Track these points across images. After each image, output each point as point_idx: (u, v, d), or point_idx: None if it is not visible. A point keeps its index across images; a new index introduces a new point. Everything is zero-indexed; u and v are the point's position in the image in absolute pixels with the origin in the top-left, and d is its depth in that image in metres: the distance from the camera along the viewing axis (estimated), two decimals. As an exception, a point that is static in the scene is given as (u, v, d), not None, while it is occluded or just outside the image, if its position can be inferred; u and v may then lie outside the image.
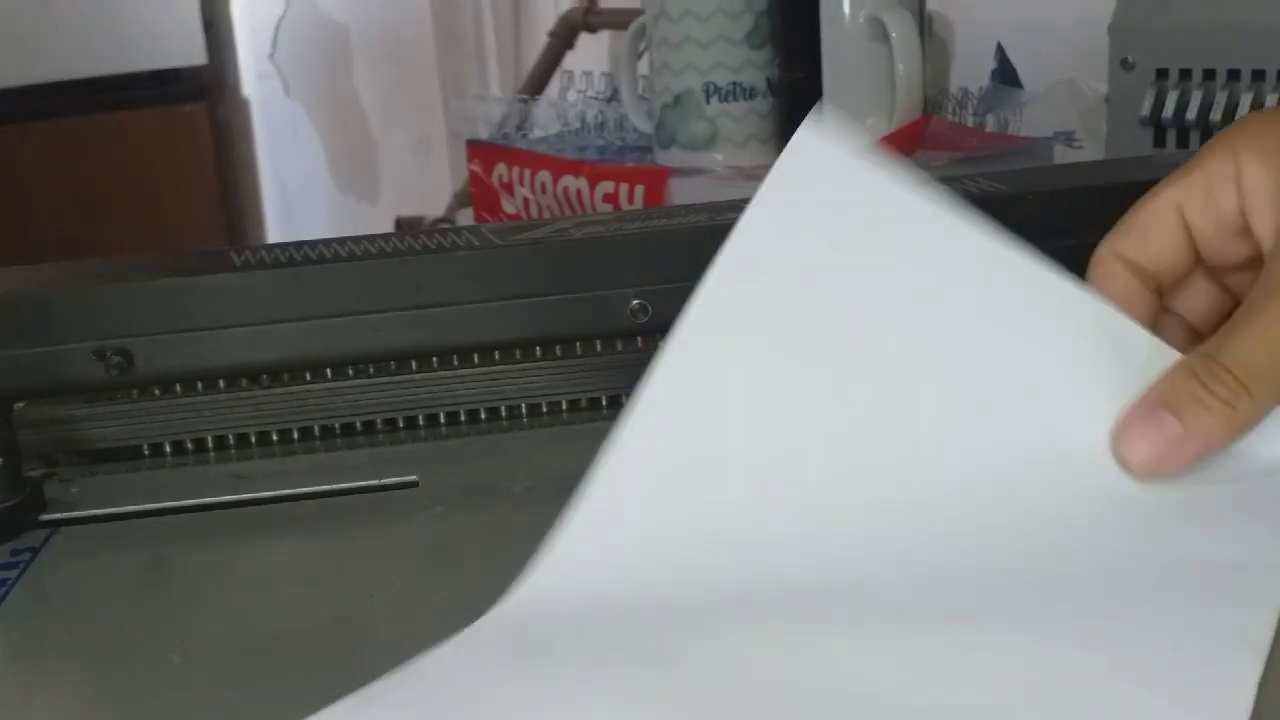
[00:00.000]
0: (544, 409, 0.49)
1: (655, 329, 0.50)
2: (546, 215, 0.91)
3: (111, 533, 0.42)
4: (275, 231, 2.64)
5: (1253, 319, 0.38)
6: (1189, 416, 0.37)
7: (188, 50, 2.46)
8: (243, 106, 2.62)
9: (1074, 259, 0.50)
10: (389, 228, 1.98)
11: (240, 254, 0.48)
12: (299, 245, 0.49)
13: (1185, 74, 0.72)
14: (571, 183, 0.87)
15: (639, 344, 0.50)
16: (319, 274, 0.47)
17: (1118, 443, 0.38)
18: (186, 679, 0.33)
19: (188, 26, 2.44)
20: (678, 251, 0.50)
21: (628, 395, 0.49)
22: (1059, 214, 0.51)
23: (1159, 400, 0.37)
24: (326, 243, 0.49)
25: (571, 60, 1.50)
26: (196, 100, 2.50)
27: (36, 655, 0.35)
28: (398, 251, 0.48)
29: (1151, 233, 0.42)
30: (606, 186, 0.85)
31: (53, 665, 0.34)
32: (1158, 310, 0.43)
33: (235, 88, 2.61)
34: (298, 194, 2.64)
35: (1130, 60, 0.74)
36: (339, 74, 2.53)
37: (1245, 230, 0.41)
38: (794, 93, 0.82)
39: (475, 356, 0.49)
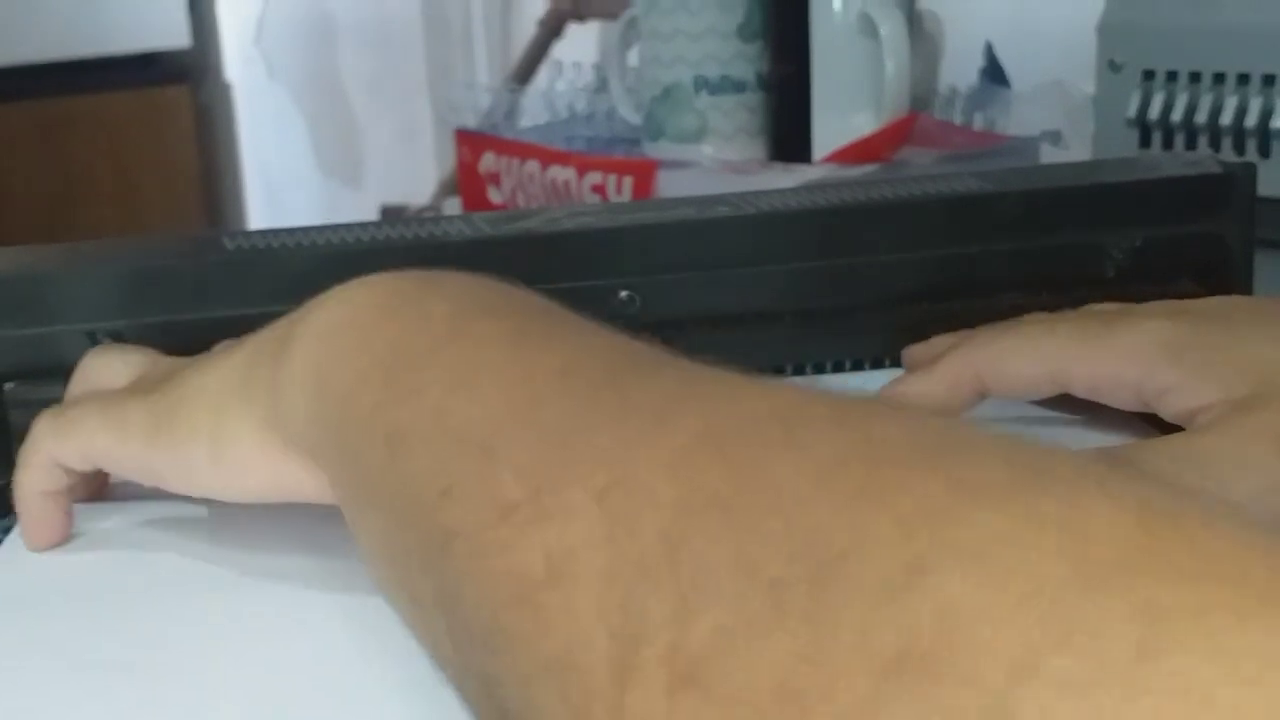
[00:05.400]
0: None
1: (644, 321, 0.50)
2: (534, 205, 0.91)
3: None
4: (257, 217, 2.63)
5: (1190, 439, 0.36)
6: None
7: (171, 32, 2.45)
8: (226, 90, 2.61)
9: (1054, 258, 0.51)
10: (373, 215, 1.98)
11: (233, 239, 0.48)
12: (291, 231, 0.49)
13: (1172, 76, 0.72)
14: (560, 173, 0.87)
15: (627, 335, 0.50)
16: (310, 261, 0.47)
17: None
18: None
19: (172, 8, 2.42)
20: (667, 244, 0.50)
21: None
22: (1042, 212, 0.51)
23: None
24: (319, 230, 0.49)
25: (560, 49, 1.50)
26: (179, 83, 2.48)
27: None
28: (389, 240, 0.48)
29: (1022, 383, 0.41)
30: (594, 178, 0.85)
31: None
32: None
33: (219, 71, 2.60)
34: (280, 179, 2.63)
35: (1118, 61, 0.74)
36: (324, 59, 2.52)
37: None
38: (784, 87, 0.83)
39: (465, 345, 0.49)
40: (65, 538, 0.39)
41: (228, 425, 0.33)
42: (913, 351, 0.47)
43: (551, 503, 0.21)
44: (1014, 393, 0.42)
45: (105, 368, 0.41)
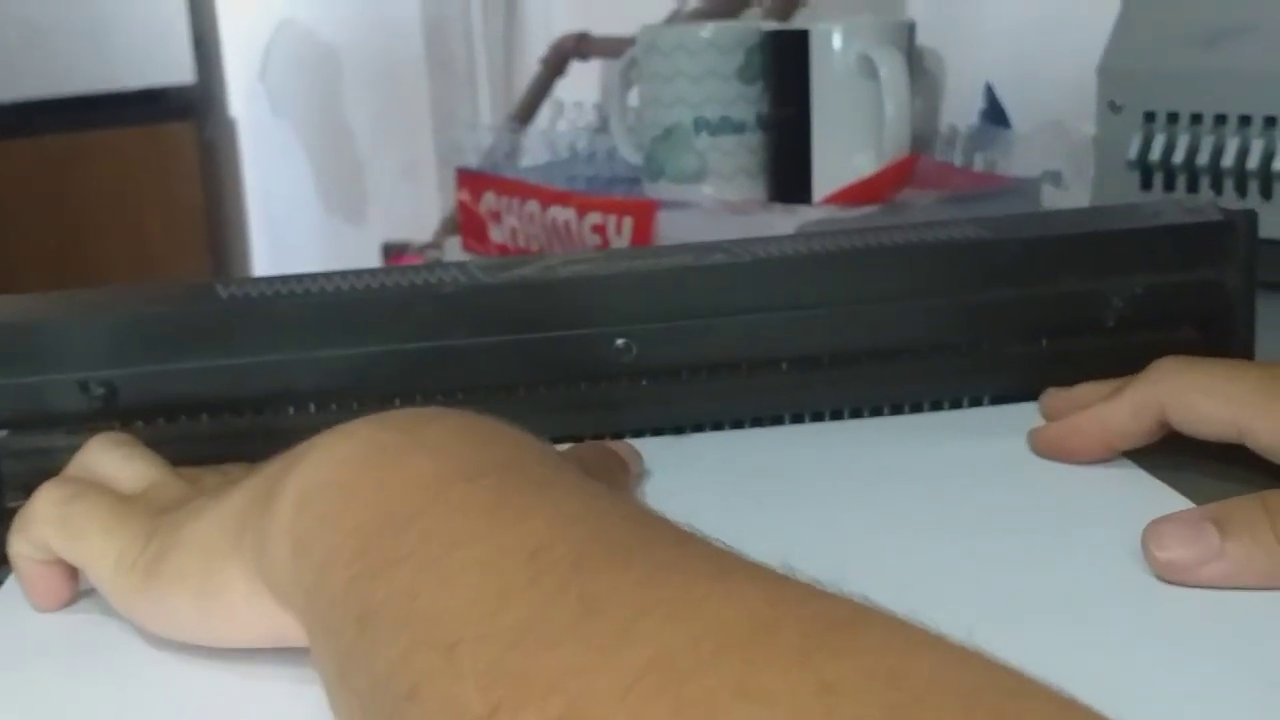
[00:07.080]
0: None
1: (640, 369, 0.50)
2: (534, 245, 0.90)
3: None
4: (260, 253, 2.63)
5: None
6: (1233, 539, 0.35)
7: (176, 69, 2.45)
8: (230, 127, 2.62)
9: (1055, 306, 0.51)
10: (375, 252, 1.98)
11: (226, 287, 0.48)
12: (285, 279, 0.48)
13: (1173, 117, 0.72)
14: (560, 213, 0.87)
15: (623, 383, 0.50)
16: (304, 309, 0.47)
17: (1149, 533, 0.36)
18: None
19: (177, 45, 2.43)
20: (663, 292, 0.50)
21: (611, 435, 0.49)
22: (1043, 260, 0.51)
23: (1210, 513, 0.36)
24: (313, 277, 0.49)
25: (563, 88, 1.50)
26: (184, 119, 2.49)
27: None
28: (384, 288, 0.48)
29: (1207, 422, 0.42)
30: (595, 218, 0.85)
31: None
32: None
33: (223, 107, 2.61)
34: (284, 216, 2.63)
35: (1118, 103, 0.74)
36: (328, 96, 2.53)
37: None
38: (784, 128, 0.83)
39: (459, 394, 0.49)
40: (69, 599, 0.38)
41: (216, 575, 0.32)
42: (1053, 397, 0.47)
43: None
44: (1196, 429, 0.41)
45: (111, 465, 0.40)
